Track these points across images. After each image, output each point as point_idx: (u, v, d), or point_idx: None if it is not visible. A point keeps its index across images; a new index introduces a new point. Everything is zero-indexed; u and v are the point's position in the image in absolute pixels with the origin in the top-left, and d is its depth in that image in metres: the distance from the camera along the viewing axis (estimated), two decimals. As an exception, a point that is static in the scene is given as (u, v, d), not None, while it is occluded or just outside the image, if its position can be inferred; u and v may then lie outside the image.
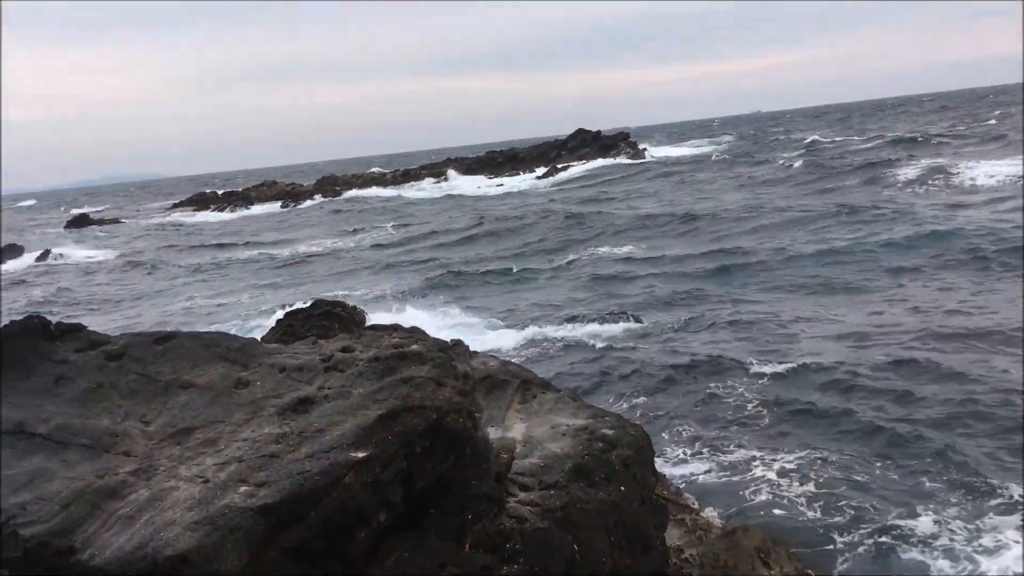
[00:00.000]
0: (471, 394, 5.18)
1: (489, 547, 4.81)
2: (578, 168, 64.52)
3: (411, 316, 16.81)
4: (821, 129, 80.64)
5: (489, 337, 15.43)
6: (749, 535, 6.64)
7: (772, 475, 8.82)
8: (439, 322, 16.73)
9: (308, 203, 65.11)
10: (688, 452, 9.60)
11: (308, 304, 14.76)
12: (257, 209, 65.10)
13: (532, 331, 15.78)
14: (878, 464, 8.88)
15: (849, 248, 19.72)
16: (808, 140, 61.54)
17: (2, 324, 5.51)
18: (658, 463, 7.16)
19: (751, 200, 32.31)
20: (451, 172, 74.63)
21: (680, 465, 9.27)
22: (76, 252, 43.31)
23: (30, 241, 50.41)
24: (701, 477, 8.94)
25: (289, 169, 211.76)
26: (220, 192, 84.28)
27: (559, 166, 66.72)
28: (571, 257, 23.64)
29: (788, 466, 9.00)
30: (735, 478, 8.85)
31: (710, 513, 7.83)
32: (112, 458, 4.71)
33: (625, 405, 11.27)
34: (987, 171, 30.32)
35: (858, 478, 8.60)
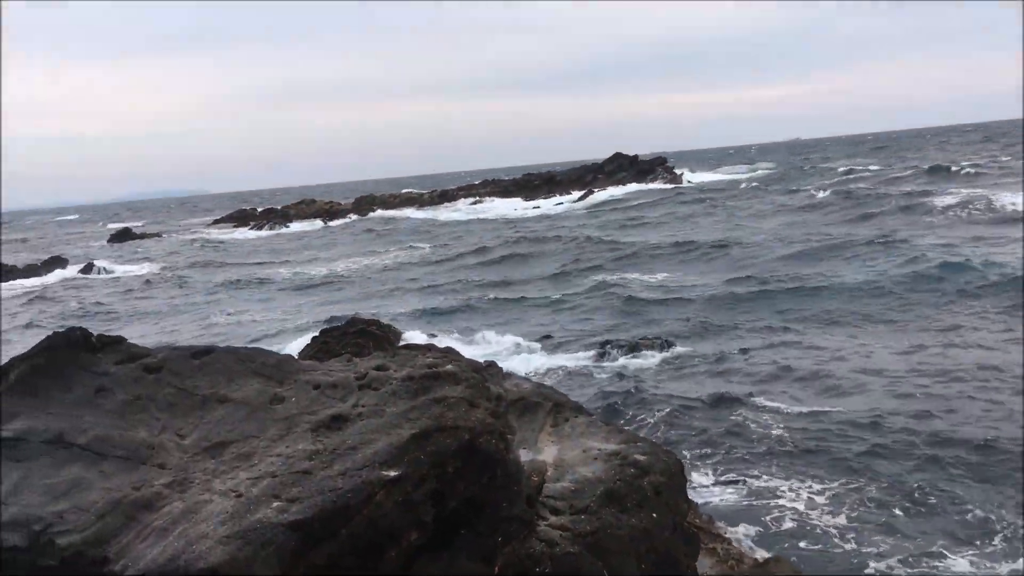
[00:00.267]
0: (504, 416, 5.18)
1: (519, 570, 4.79)
2: (614, 192, 64.50)
3: (444, 336, 16.88)
4: (858, 157, 79.92)
5: (520, 359, 15.43)
6: (781, 566, 6.55)
7: (801, 506, 8.73)
8: (471, 342, 16.76)
9: (344, 221, 65.74)
10: (717, 481, 9.51)
11: (343, 322, 14.86)
12: (295, 227, 65.83)
13: (563, 355, 15.76)
14: (911, 500, 8.73)
15: (883, 279, 19.46)
16: (844, 169, 61.00)
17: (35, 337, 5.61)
18: (688, 491, 7.09)
19: (785, 229, 32.09)
20: (487, 194, 75.08)
21: (709, 493, 9.18)
22: (117, 266, 44.07)
23: (74, 255, 51.33)
24: (730, 506, 8.85)
25: (330, 187, 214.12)
26: (260, 209, 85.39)
27: (595, 190, 66.76)
28: (604, 282, 23.58)
29: (818, 498, 8.90)
30: (764, 508, 8.75)
31: (741, 543, 7.73)
32: (148, 470, 4.76)
33: (655, 431, 11.19)
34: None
35: (891, 512, 8.46)
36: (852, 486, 9.08)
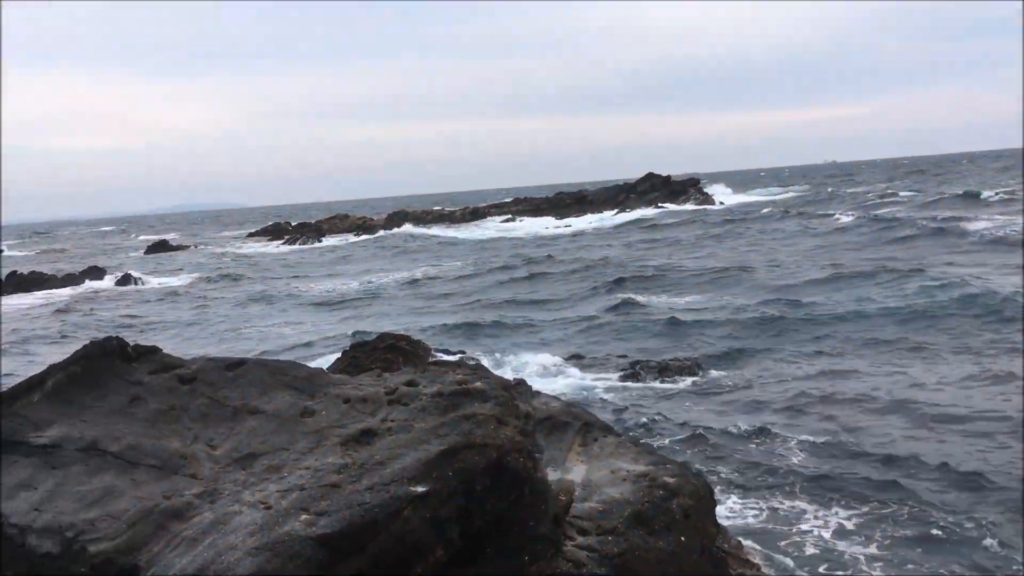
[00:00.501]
0: (532, 434, 5.18)
1: (544, 590, 4.77)
2: (646, 212, 64.38)
3: (472, 353, 16.89)
4: (894, 181, 79.03)
5: (549, 378, 15.39)
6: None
7: (828, 534, 8.63)
8: (500, 359, 16.76)
9: (376, 236, 66.17)
10: (745, 505, 9.41)
11: (373, 337, 14.92)
12: (328, 241, 66.37)
13: (592, 374, 15.72)
14: (939, 530, 8.58)
15: (916, 306, 19.17)
16: (877, 192, 60.40)
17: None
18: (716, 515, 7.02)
19: (815, 252, 31.79)
20: (519, 212, 75.32)
21: (738, 517, 9.09)
22: (153, 277, 44.67)
23: (111, 265, 52.09)
24: (756, 531, 8.75)
25: (363, 203, 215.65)
26: (293, 223, 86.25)
27: (627, 209, 66.64)
28: (634, 302, 23.47)
29: (847, 524, 8.79)
30: (792, 534, 8.65)
31: (770, 568, 7.64)
32: (179, 480, 4.81)
33: (683, 454, 11.10)
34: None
35: (918, 543, 8.32)
36: (880, 515, 8.95)
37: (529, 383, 7.16)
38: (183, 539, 4.41)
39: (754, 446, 11.28)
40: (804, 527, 8.82)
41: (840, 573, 7.82)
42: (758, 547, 8.22)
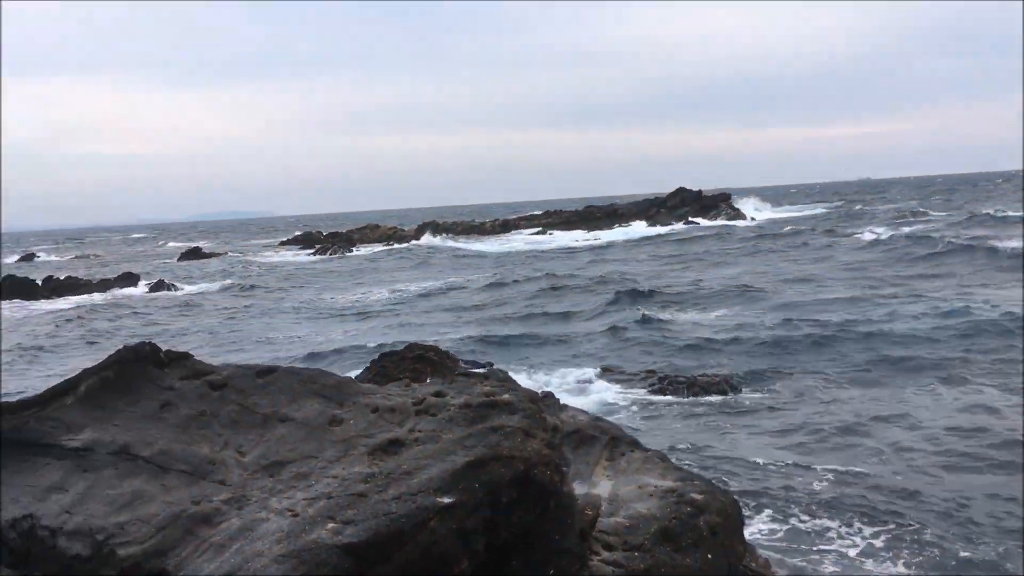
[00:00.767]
0: (559, 447, 5.16)
1: (569, 605, 4.75)
2: (676, 227, 64.20)
3: (500, 364, 16.90)
4: (926, 199, 78.19)
5: (577, 391, 15.36)
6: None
7: (854, 552, 8.55)
8: (527, 371, 16.75)
9: (406, 246, 66.55)
10: (770, 524, 9.33)
11: (402, 347, 14.98)
12: (358, 251, 66.82)
13: (620, 388, 15.65)
14: (971, 553, 8.46)
15: (947, 328, 18.87)
16: (907, 210, 59.79)
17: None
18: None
19: (844, 270, 31.49)
20: (549, 225, 75.40)
21: (761, 537, 9.01)
22: (185, 284, 45.19)
23: (144, 271, 52.76)
24: (782, 550, 8.66)
25: (394, 213, 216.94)
26: (325, 233, 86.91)
27: (657, 224, 66.47)
28: (660, 317, 23.35)
29: (876, 543, 8.70)
30: (818, 554, 8.57)
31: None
32: (208, 485, 4.85)
33: (710, 471, 11.01)
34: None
35: (951, 567, 8.20)
36: (906, 537, 8.85)
37: (556, 396, 7.14)
38: (211, 544, 4.44)
39: (781, 465, 11.18)
40: (828, 547, 8.75)
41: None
42: (784, 566, 8.14)
